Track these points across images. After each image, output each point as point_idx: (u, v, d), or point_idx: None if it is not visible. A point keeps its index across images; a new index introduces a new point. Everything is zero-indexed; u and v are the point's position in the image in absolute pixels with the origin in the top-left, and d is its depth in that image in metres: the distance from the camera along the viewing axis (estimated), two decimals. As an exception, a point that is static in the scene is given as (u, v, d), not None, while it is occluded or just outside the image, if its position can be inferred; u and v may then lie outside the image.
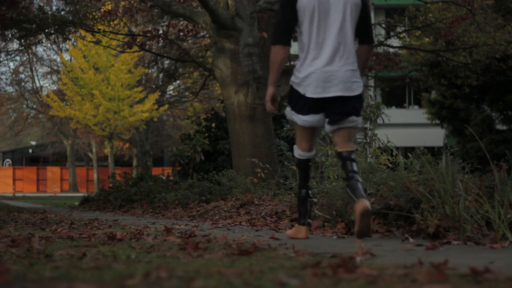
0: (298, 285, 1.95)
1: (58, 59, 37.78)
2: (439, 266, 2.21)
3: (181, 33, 14.96)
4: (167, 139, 41.33)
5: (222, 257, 2.75)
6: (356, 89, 3.86)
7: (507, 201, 3.63)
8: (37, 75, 49.77)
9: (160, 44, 15.32)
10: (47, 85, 50.04)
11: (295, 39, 16.87)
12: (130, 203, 10.60)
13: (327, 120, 3.93)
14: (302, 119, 3.93)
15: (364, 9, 3.95)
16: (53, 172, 46.57)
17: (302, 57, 3.92)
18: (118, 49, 17.71)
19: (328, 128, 3.95)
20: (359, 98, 3.88)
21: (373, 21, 28.10)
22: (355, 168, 3.80)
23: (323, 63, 3.83)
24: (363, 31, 3.98)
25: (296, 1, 3.88)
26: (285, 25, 3.95)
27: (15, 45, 21.40)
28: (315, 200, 4.35)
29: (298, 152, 4.10)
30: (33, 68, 40.08)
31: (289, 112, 4.01)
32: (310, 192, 4.11)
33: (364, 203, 3.62)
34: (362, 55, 4.04)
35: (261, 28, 13.56)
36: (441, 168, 4.00)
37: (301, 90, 3.88)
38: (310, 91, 3.84)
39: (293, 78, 3.95)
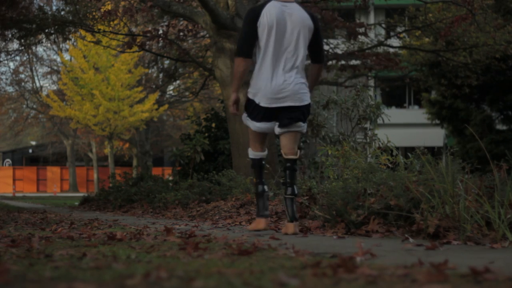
0: (298, 285, 1.95)
1: (58, 59, 37.80)
2: (439, 266, 2.21)
3: (181, 33, 14.96)
4: (167, 139, 41.33)
5: (222, 257, 2.75)
6: (305, 100, 4.37)
7: (507, 201, 3.63)
8: (37, 75, 49.79)
9: (160, 44, 15.31)
10: (47, 85, 50.08)
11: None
12: (130, 203, 10.60)
13: (277, 124, 4.42)
14: (255, 125, 4.45)
15: (316, 33, 4.42)
16: (53, 172, 46.57)
17: (258, 70, 4.40)
18: (118, 49, 17.71)
19: (277, 130, 4.42)
20: (307, 107, 4.39)
21: (373, 21, 28.13)
22: (294, 178, 4.35)
23: (277, 76, 4.31)
24: (315, 52, 4.50)
25: (257, 19, 4.34)
26: (246, 39, 4.41)
27: (15, 45, 21.39)
28: (271, 194, 4.79)
29: (252, 152, 4.58)
30: (33, 68, 40.09)
31: (245, 117, 4.54)
32: (265, 187, 4.55)
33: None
34: (313, 72, 4.59)
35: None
36: (441, 168, 4.00)
37: (256, 99, 4.38)
38: (264, 102, 4.34)
39: (249, 89, 4.44)
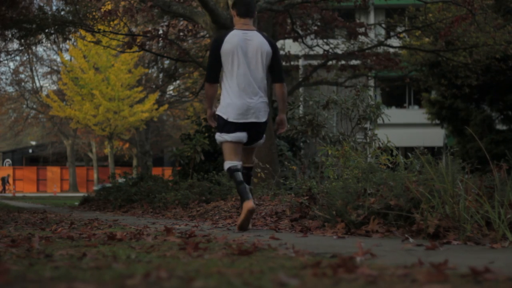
0: (298, 285, 1.95)
1: (58, 59, 37.82)
2: (439, 266, 2.21)
3: (181, 33, 14.96)
4: (167, 139, 41.34)
5: (222, 257, 2.75)
6: (265, 117, 5.02)
7: (507, 201, 3.63)
8: (37, 75, 49.75)
9: (160, 44, 15.32)
10: (47, 85, 50.06)
11: (295, 40, 16.82)
12: (130, 203, 10.60)
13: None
14: (231, 136, 4.91)
15: (275, 56, 4.97)
16: (53, 172, 46.59)
17: (225, 92, 4.94)
18: (118, 49, 17.72)
19: (241, 145, 5.03)
20: (265, 123, 5.06)
21: (373, 21, 28.13)
22: (250, 181, 5.05)
23: (242, 97, 4.87)
24: (274, 72, 5.04)
25: (220, 48, 4.88)
26: (212, 67, 4.98)
27: (15, 45, 21.41)
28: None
29: (229, 163, 4.93)
30: (33, 68, 40.11)
31: (218, 136, 5.01)
32: (247, 186, 4.86)
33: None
34: (277, 91, 5.08)
35: (261, 28, 13.57)
36: (441, 168, 4.00)
37: (225, 116, 4.91)
38: (232, 117, 4.88)
39: (218, 108, 4.98)
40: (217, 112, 4.95)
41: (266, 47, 4.93)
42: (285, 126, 5.26)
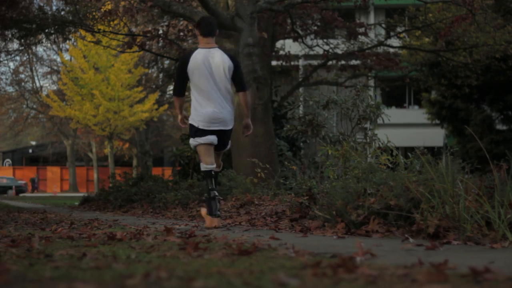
0: (298, 285, 1.95)
1: (58, 59, 37.81)
2: (439, 266, 2.21)
3: (181, 33, 14.96)
4: (167, 139, 41.34)
5: (222, 257, 2.75)
6: (230, 125, 5.56)
7: (507, 201, 3.63)
8: (37, 75, 49.74)
9: (160, 44, 15.32)
10: (47, 85, 50.06)
11: (295, 40, 16.79)
12: (130, 203, 10.60)
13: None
14: (203, 138, 5.45)
15: (236, 69, 5.53)
16: (53, 172, 46.57)
17: (195, 103, 5.49)
18: (118, 49, 17.71)
19: (213, 148, 5.57)
20: (231, 130, 5.61)
21: (373, 21, 28.12)
22: (216, 183, 5.49)
23: (209, 107, 5.42)
24: (237, 83, 5.57)
25: (186, 65, 5.41)
26: (178, 82, 5.54)
27: (15, 45, 21.40)
28: (221, 198, 5.85)
29: (204, 166, 5.48)
30: (33, 68, 40.10)
31: (192, 140, 5.55)
32: (216, 192, 5.40)
33: (216, 222, 5.24)
34: (241, 99, 5.65)
35: (261, 28, 13.56)
36: (441, 168, 4.00)
37: (195, 124, 5.47)
38: (202, 125, 5.44)
39: (190, 117, 5.55)
40: (189, 121, 5.55)
41: (228, 62, 5.47)
42: (250, 129, 5.79)
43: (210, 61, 5.42)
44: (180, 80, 5.50)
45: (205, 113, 5.41)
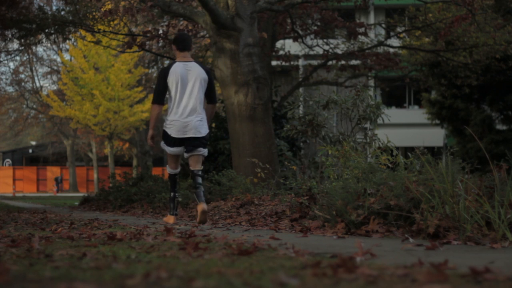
0: (298, 285, 1.95)
1: (58, 59, 37.81)
2: (439, 266, 2.21)
3: (181, 33, 14.93)
4: (167, 139, 41.24)
5: (222, 257, 2.75)
6: (203, 132, 6.06)
7: (507, 201, 3.63)
8: (37, 75, 49.79)
9: (160, 44, 15.32)
10: (47, 85, 50.05)
11: (295, 40, 16.79)
12: (130, 203, 10.60)
13: (185, 149, 6.11)
14: (170, 150, 6.12)
15: (210, 82, 6.10)
16: (53, 172, 46.55)
17: (170, 111, 6.02)
18: (118, 49, 17.72)
19: (185, 155, 6.14)
20: (205, 137, 6.11)
21: (373, 21, 28.12)
22: (200, 181, 6.02)
23: (183, 116, 5.97)
24: (209, 96, 6.19)
25: (166, 76, 6.00)
26: (159, 91, 6.09)
27: (15, 45, 21.39)
28: (180, 199, 6.59)
29: (169, 170, 6.30)
30: (33, 68, 40.09)
31: (163, 144, 6.19)
32: (177, 194, 6.29)
33: (203, 206, 5.80)
34: (209, 110, 6.34)
35: (261, 28, 13.55)
36: (441, 168, 4.00)
37: (169, 131, 6.03)
38: (174, 133, 6.00)
39: (164, 124, 6.08)
40: (164, 128, 6.11)
41: (204, 75, 6.04)
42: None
43: (187, 73, 6.01)
44: (160, 89, 6.07)
45: (178, 122, 5.99)
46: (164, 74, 6.03)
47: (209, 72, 6.13)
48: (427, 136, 28.10)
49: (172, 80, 5.97)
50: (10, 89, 41.08)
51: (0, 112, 41.10)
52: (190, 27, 14.67)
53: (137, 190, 10.79)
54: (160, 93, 6.08)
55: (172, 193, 6.29)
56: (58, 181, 42.82)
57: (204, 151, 6.18)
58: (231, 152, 9.77)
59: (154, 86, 33.72)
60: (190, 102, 5.98)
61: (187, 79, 5.98)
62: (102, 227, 5.53)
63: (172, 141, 6.05)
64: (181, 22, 15.93)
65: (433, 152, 29.46)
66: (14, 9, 12.63)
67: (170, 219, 6.19)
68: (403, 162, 5.47)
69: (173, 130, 5.98)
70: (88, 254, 2.93)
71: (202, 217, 5.77)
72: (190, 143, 6.04)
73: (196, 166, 6.12)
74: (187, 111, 5.97)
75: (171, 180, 6.33)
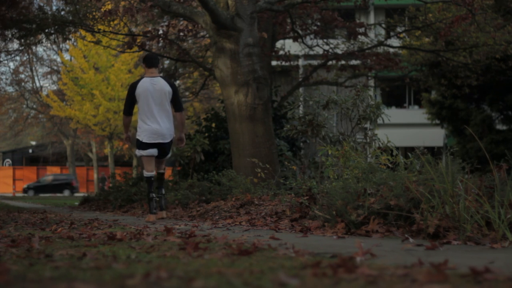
0: (298, 285, 1.95)
1: (58, 59, 37.81)
2: (439, 266, 2.21)
3: (181, 33, 14.95)
4: (167, 139, 41.23)
5: (222, 257, 2.75)
6: (169, 138, 6.93)
7: (507, 201, 3.63)
8: (37, 75, 49.75)
9: (160, 44, 15.32)
10: (47, 85, 50.05)
11: (295, 40, 16.82)
12: (130, 203, 10.59)
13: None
14: (145, 152, 6.89)
15: (174, 93, 6.94)
16: (53, 172, 46.54)
17: (141, 121, 6.86)
18: (118, 49, 17.71)
19: (153, 159, 6.98)
20: (170, 143, 6.98)
21: (373, 21, 28.12)
22: (163, 183, 7.21)
23: (150, 124, 6.82)
24: (175, 105, 6.99)
25: (134, 91, 6.87)
26: (128, 104, 7.00)
27: (15, 45, 21.40)
28: (157, 199, 7.12)
29: (146, 173, 6.99)
30: (33, 68, 40.08)
31: (137, 152, 6.97)
32: (154, 195, 6.95)
33: (152, 218, 6.78)
34: (178, 118, 7.15)
35: (261, 28, 13.55)
36: (441, 168, 4.00)
37: (140, 139, 6.88)
38: (145, 139, 6.86)
39: (137, 133, 6.92)
40: (136, 136, 6.89)
41: (168, 88, 6.87)
42: (183, 142, 7.33)
43: (153, 87, 6.82)
44: (129, 102, 6.96)
45: (148, 129, 6.81)
46: (132, 88, 6.91)
47: (173, 85, 6.98)
48: (427, 136, 28.11)
49: (139, 93, 6.82)
50: (10, 89, 41.10)
51: (0, 112, 41.10)
52: (190, 27, 14.66)
53: (137, 190, 10.79)
54: (129, 105, 6.98)
55: (150, 194, 6.96)
56: (104, 180, 42.25)
57: (168, 156, 7.17)
58: (231, 152, 9.77)
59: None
60: (156, 112, 6.80)
61: (154, 92, 6.80)
62: (102, 227, 5.53)
63: (146, 146, 6.87)
64: (181, 22, 15.93)
65: (433, 152, 29.46)
66: (14, 9, 12.63)
67: (150, 217, 6.82)
68: (403, 162, 5.47)
69: (143, 136, 6.84)
70: (88, 254, 2.93)
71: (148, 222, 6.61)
72: (159, 150, 6.94)
73: (161, 168, 7.21)
74: (154, 120, 6.81)
75: (148, 182, 7.02)
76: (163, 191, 7.19)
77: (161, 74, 7.07)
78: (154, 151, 6.88)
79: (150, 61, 7.01)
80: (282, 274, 2.10)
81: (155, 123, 6.80)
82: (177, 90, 6.99)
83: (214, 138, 12.58)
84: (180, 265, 2.48)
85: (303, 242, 3.66)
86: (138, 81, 6.94)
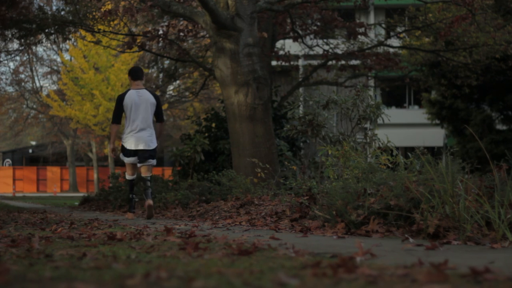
0: (298, 285, 1.95)
1: (58, 59, 37.80)
2: (439, 266, 2.21)
3: (181, 33, 14.95)
4: (167, 139, 41.32)
5: (222, 257, 2.75)
6: (153, 145, 7.53)
7: (507, 201, 3.63)
8: (37, 75, 49.73)
9: (160, 44, 15.32)
10: (47, 85, 50.04)
11: (295, 40, 16.82)
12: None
13: (138, 160, 7.54)
14: (128, 159, 7.58)
15: (158, 105, 7.58)
16: (53, 172, 46.54)
17: (126, 128, 7.48)
18: (118, 49, 17.71)
19: (138, 164, 7.58)
20: (154, 150, 7.58)
21: (373, 21, 28.12)
22: (149, 184, 7.47)
23: (135, 132, 7.42)
24: (158, 116, 7.68)
25: (122, 102, 7.46)
26: (116, 113, 7.55)
27: (15, 45, 21.39)
28: (137, 199, 8.17)
29: (127, 176, 7.77)
30: (33, 68, 40.07)
31: (122, 156, 7.65)
32: (134, 195, 7.82)
33: (149, 201, 7.22)
34: (158, 127, 7.81)
35: (261, 28, 13.54)
36: (441, 168, 4.00)
37: (125, 145, 7.51)
38: (129, 146, 7.47)
39: (122, 140, 7.55)
40: (122, 142, 7.59)
41: (152, 100, 7.50)
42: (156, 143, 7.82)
43: (139, 99, 7.44)
44: (117, 112, 7.53)
45: (132, 137, 7.43)
46: (120, 99, 7.52)
47: (157, 97, 7.62)
48: (427, 136, 28.10)
49: (126, 104, 7.43)
50: (10, 89, 41.08)
51: (0, 112, 41.09)
52: (190, 27, 14.66)
53: (137, 190, 10.78)
54: (117, 115, 7.54)
55: (130, 195, 7.78)
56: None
57: (153, 162, 7.59)
58: (231, 152, 9.77)
59: (153, 87, 33.85)
60: (141, 121, 7.41)
61: (139, 103, 7.42)
62: (102, 227, 5.53)
63: (128, 152, 7.50)
64: (181, 22, 15.93)
65: (433, 152, 29.46)
66: (14, 9, 12.63)
67: (129, 215, 7.66)
68: (403, 162, 5.47)
69: (128, 143, 7.46)
70: (88, 254, 2.93)
71: (149, 212, 7.15)
72: (142, 155, 7.48)
73: (146, 173, 7.57)
74: (138, 128, 7.40)
75: (129, 184, 7.80)
76: (149, 184, 7.50)
77: (145, 87, 7.75)
78: (134, 159, 7.55)
79: (136, 74, 7.60)
80: (282, 274, 2.10)
81: (140, 131, 7.43)
82: (160, 102, 7.68)
83: (214, 138, 12.58)
84: (180, 265, 2.48)
85: (303, 242, 3.66)
86: (125, 92, 7.56)
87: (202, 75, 19.25)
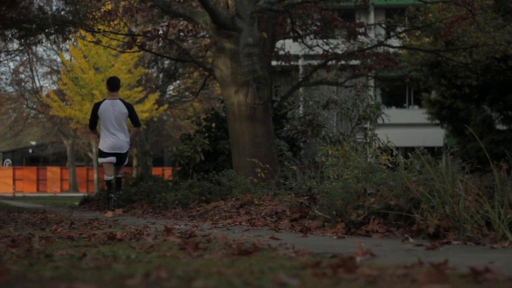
0: (298, 285, 1.95)
1: (58, 59, 37.80)
2: (439, 266, 2.21)
3: (181, 33, 14.95)
4: (167, 139, 41.33)
5: (222, 257, 2.75)
6: (126, 149, 8.39)
7: (507, 201, 3.63)
8: (37, 75, 49.75)
9: (160, 44, 15.32)
10: (47, 85, 50.02)
11: (295, 40, 16.81)
12: (130, 203, 10.59)
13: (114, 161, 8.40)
14: (106, 159, 8.31)
15: (131, 112, 8.38)
16: (53, 172, 46.54)
17: (103, 134, 8.31)
18: (118, 49, 17.71)
19: (112, 166, 8.41)
20: (126, 153, 8.46)
21: (373, 21, 28.12)
22: (120, 186, 8.74)
23: (109, 137, 8.25)
24: (133, 121, 8.49)
25: (97, 110, 8.29)
26: (92, 121, 8.45)
27: (15, 45, 21.39)
28: (115, 198, 8.54)
29: (106, 177, 8.41)
30: (33, 68, 40.07)
31: (99, 159, 8.46)
32: (112, 195, 8.35)
33: (110, 214, 8.25)
34: (134, 132, 8.61)
35: (261, 28, 13.55)
36: (441, 168, 4.00)
37: (102, 148, 8.31)
38: (106, 149, 8.28)
39: (99, 144, 8.42)
40: (99, 146, 8.39)
41: (124, 109, 8.28)
42: (129, 148, 8.56)
43: (113, 108, 8.23)
44: (93, 119, 8.41)
45: (108, 141, 8.25)
46: (95, 108, 8.33)
47: (129, 106, 8.40)
48: (427, 136, 28.11)
49: (101, 112, 8.23)
50: (10, 89, 41.08)
51: (0, 112, 41.09)
52: (190, 27, 14.66)
53: (137, 190, 10.79)
54: (92, 122, 8.45)
55: (109, 194, 8.38)
56: None
57: (124, 163, 8.56)
58: (231, 152, 9.77)
59: (153, 87, 33.74)
60: (115, 128, 8.22)
61: (113, 112, 8.20)
62: (102, 227, 5.53)
63: (107, 154, 8.28)
64: (181, 22, 15.94)
65: (433, 152, 29.46)
66: (14, 9, 12.63)
67: (109, 214, 8.27)
68: (403, 162, 5.47)
69: (104, 147, 8.26)
70: (88, 254, 2.93)
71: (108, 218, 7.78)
72: (117, 159, 8.36)
73: (118, 173, 8.63)
74: (112, 135, 8.22)
75: (107, 185, 8.43)
76: (120, 192, 8.74)
77: (119, 98, 8.49)
78: (113, 159, 8.32)
79: (112, 85, 8.36)
80: (282, 274, 2.10)
81: (114, 137, 8.24)
82: (133, 110, 8.47)
83: (214, 138, 12.58)
84: (180, 265, 2.48)
85: (303, 242, 3.66)
86: (100, 102, 8.38)
87: (202, 75, 19.26)
